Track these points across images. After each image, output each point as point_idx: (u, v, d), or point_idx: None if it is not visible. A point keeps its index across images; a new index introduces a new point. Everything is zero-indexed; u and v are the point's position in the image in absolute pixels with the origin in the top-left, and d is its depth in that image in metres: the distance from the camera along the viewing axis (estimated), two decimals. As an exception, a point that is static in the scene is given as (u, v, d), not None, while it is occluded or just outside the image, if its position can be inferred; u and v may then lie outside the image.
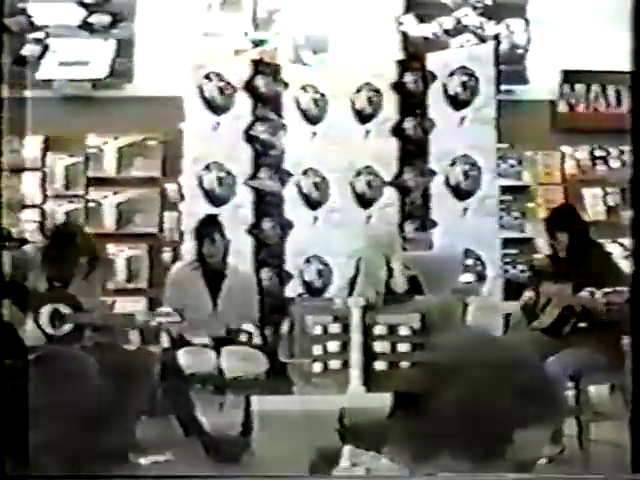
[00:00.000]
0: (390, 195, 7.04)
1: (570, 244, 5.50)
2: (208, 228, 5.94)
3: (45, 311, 5.08)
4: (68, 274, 5.28)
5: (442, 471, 1.62)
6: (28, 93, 7.17)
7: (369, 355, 5.23)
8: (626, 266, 5.43)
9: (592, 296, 5.17)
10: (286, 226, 7.02)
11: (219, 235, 5.90)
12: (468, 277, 6.42)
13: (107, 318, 5.50)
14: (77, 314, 5.12)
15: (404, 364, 5.13)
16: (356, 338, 5.25)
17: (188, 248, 6.45)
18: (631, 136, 3.50)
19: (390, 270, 5.91)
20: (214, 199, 6.94)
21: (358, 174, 7.02)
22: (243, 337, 5.66)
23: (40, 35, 7.46)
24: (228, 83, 7.02)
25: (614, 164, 7.70)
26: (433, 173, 7.01)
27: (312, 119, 7.07)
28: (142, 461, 5.18)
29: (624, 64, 3.96)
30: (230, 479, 3.45)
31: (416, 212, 7.05)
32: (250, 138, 7.02)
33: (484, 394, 1.65)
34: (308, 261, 6.99)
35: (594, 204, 7.68)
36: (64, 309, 5.09)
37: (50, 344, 4.94)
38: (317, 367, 5.29)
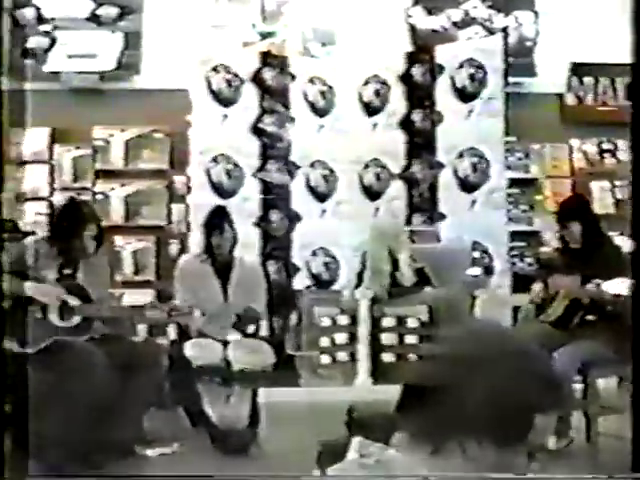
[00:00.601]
0: (398, 188, 7.03)
1: (583, 234, 5.47)
2: (217, 219, 5.92)
3: (54, 303, 5.06)
4: (76, 250, 5.22)
5: (464, 458, 1.62)
6: (35, 85, 7.16)
7: (377, 347, 5.23)
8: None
9: (600, 288, 5.15)
10: (293, 218, 7.01)
11: (228, 226, 5.87)
12: (476, 270, 6.40)
13: (115, 310, 5.47)
14: (85, 306, 5.10)
15: (412, 356, 5.12)
16: (364, 330, 5.24)
17: (196, 240, 6.45)
18: (630, 129, 3.49)
19: (396, 263, 5.90)
20: (222, 191, 6.94)
21: (366, 166, 7.02)
22: (251, 329, 5.65)
23: (48, 27, 7.46)
24: (236, 75, 7.02)
25: (622, 157, 7.68)
26: (441, 166, 7.00)
27: (320, 111, 7.06)
28: (149, 452, 5.18)
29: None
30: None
31: (424, 205, 7.04)
32: (258, 130, 7.02)
33: (499, 384, 1.65)
34: (315, 253, 6.99)
35: (602, 197, 7.66)
36: (73, 301, 5.07)
37: (58, 336, 4.94)
38: (325, 359, 5.29)
